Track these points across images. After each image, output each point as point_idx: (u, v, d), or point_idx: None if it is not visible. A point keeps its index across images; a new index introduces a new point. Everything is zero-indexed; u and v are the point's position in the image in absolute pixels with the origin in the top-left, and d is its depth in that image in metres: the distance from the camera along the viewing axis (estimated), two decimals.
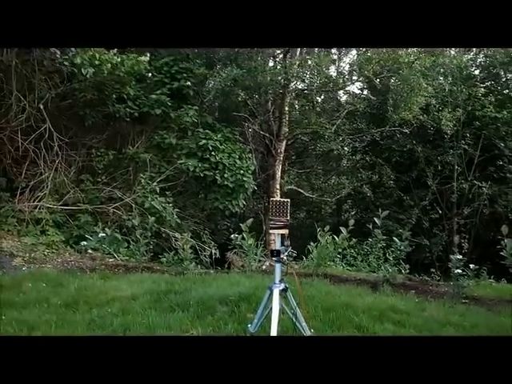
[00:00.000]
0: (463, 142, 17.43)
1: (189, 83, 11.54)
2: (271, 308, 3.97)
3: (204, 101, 12.25)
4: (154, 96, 10.97)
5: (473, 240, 17.25)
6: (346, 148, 19.20)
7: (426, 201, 17.90)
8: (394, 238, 6.84)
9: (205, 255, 10.71)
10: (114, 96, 10.59)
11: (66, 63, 8.71)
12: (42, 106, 9.28)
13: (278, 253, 4.03)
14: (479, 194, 17.49)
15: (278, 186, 14.42)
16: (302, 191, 15.75)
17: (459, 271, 5.81)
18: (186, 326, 4.84)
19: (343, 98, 19.01)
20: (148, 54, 10.27)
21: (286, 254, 4.10)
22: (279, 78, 12.50)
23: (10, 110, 9.15)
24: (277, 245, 4.05)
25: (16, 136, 9.42)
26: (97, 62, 9.05)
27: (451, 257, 6.03)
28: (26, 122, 9.42)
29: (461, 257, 5.91)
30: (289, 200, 3.96)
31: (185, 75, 11.61)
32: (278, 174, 14.49)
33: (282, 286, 4.06)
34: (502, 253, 5.87)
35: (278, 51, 13.42)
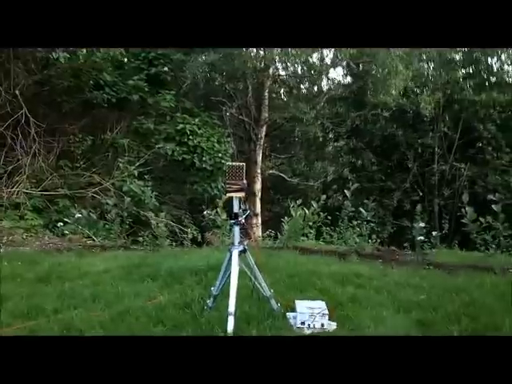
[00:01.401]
0: (443, 124, 17.72)
1: (166, 69, 11.64)
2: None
3: (182, 86, 12.35)
4: (131, 82, 11.06)
5: (454, 220, 17.58)
6: (330, 135, 19.54)
7: (406, 183, 18.22)
8: (360, 209, 7.05)
9: (186, 238, 10.80)
10: (91, 82, 10.68)
11: (39, 48, 8.76)
12: (18, 92, 9.33)
13: (235, 215, 4.19)
14: (459, 175, 17.81)
15: (258, 171, 14.62)
16: (283, 175, 15.93)
17: (422, 238, 6.01)
18: (154, 293, 5.00)
19: (324, 84, 19.21)
20: None
21: (244, 216, 4.26)
22: (258, 63, 12.64)
23: None
24: (234, 208, 4.18)
25: None
26: (71, 48, 9.09)
27: (414, 225, 6.24)
28: (2, 108, 9.48)
29: (423, 225, 6.12)
30: (244, 164, 4.11)
31: (162, 61, 11.71)
32: (259, 158, 14.68)
33: (241, 247, 4.23)
34: (463, 220, 6.08)
35: None
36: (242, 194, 4.14)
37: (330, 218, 9.24)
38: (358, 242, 6.76)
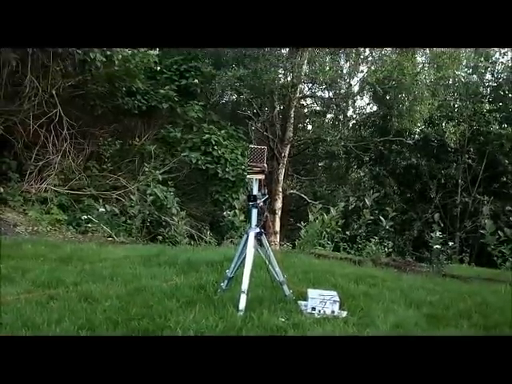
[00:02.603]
0: (467, 156, 17.66)
1: (196, 81, 12.02)
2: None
3: (210, 100, 12.72)
4: (162, 91, 11.44)
5: (476, 254, 17.31)
6: (353, 163, 19.65)
7: (428, 214, 18.07)
8: (380, 217, 7.10)
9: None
10: (124, 89, 11.07)
11: (78, 51, 9.14)
12: (54, 92, 9.73)
13: (254, 198, 4.31)
14: (482, 213, 17.58)
15: (280, 189, 14.74)
16: (304, 197, 16.02)
17: (438, 247, 6.02)
18: (170, 277, 5.12)
19: (350, 111, 19.40)
20: (157, 48, 10.75)
21: (263, 200, 4.38)
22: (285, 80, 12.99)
23: (23, 93, 9.62)
24: (254, 190, 4.31)
25: (28, 120, 9.86)
26: (108, 52, 9.48)
27: (431, 234, 6.26)
28: (38, 107, 9.87)
29: (440, 233, 6.14)
30: (265, 147, 4.26)
31: (193, 73, 12.12)
32: (281, 177, 14.82)
33: (258, 229, 4.34)
34: (482, 231, 6.08)
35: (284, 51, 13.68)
36: (262, 176, 4.28)
37: (347, 234, 9.34)
38: (375, 249, 6.79)
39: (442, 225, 17.82)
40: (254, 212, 4.34)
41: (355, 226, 8.96)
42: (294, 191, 15.93)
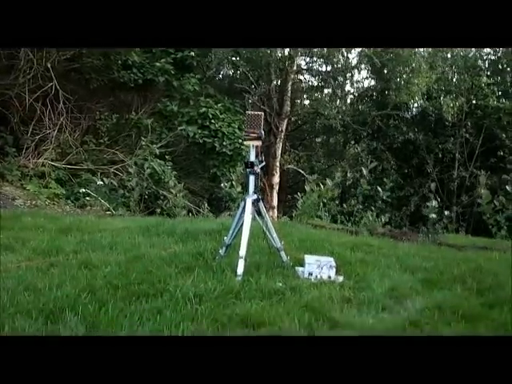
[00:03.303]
0: (465, 130, 17.64)
1: (193, 54, 11.91)
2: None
3: (206, 73, 12.64)
4: (158, 64, 11.34)
5: (472, 228, 17.44)
6: (350, 138, 19.64)
7: (425, 188, 18.13)
8: (378, 188, 7.13)
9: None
10: (120, 62, 10.98)
11: None
12: (49, 65, 9.64)
13: (251, 164, 4.32)
14: (479, 183, 17.64)
15: (277, 164, 14.75)
16: (302, 171, 16.03)
17: (433, 216, 6.08)
18: (168, 246, 5.18)
19: (348, 85, 19.30)
20: None
21: (260, 167, 4.39)
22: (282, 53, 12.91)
23: (18, 66, 9.54)
24: (251, 156, 4.32)
25: (24, 94, 9.80)
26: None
27: (427, 203, 6.32)
28: (33, 80, 9.80)
29: (436, 203, 6.19)
30: (262, 113, 4.26)
31: None
32: (279, 152, 14.83)
33: (255, 196, 4.37)
34: (479, 200, 6.14)
35: None
36: (259, 143, 4.27)
37: (345, 206, 9.42)
38: (371, 220, 6.85)
39: (439, 199, 18.13)
40: (252, 179, 4.35)
41: (353, 202, 9.06)
42: (292, 166, 15.94)
